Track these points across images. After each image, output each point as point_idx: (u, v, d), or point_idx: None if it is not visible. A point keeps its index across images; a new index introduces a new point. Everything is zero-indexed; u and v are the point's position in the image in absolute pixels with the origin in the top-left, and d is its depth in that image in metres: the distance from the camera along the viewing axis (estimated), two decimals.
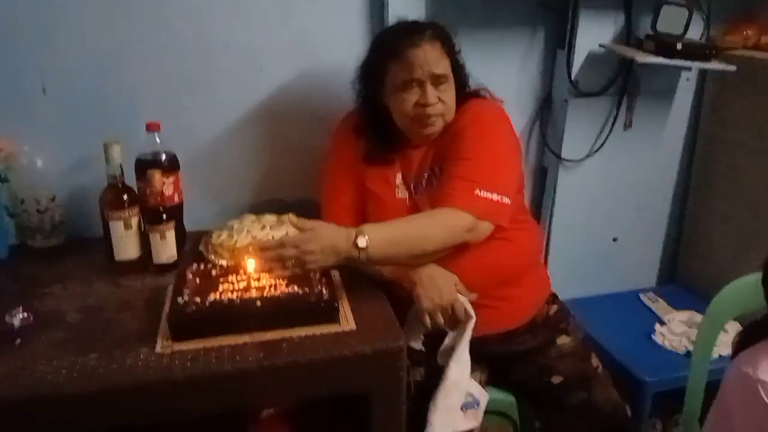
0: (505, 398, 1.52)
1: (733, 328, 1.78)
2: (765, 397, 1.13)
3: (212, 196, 1.78)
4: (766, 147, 1.88)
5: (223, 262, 1.47)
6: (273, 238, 1.45)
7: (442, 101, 1.44)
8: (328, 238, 1.27)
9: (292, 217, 1.31)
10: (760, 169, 1.91)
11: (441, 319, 1.38)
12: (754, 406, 1.15)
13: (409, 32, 1.44)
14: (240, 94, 1.72)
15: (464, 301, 1.39)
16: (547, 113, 2.00)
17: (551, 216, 2.05)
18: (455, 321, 1.39)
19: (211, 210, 1.77)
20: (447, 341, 1.43)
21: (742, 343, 1.27)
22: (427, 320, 1.38)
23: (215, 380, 1.14)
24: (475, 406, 1.43)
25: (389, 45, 1.44)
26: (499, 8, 1.83)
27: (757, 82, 1.89)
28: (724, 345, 1.74)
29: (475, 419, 1.44)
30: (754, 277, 1.39)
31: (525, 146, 2.02)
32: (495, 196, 1.38)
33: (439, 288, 1.38)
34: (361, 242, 1.27)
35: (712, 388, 1.42)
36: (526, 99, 1.98)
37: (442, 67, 1.42)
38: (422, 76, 1.41)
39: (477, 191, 1.37)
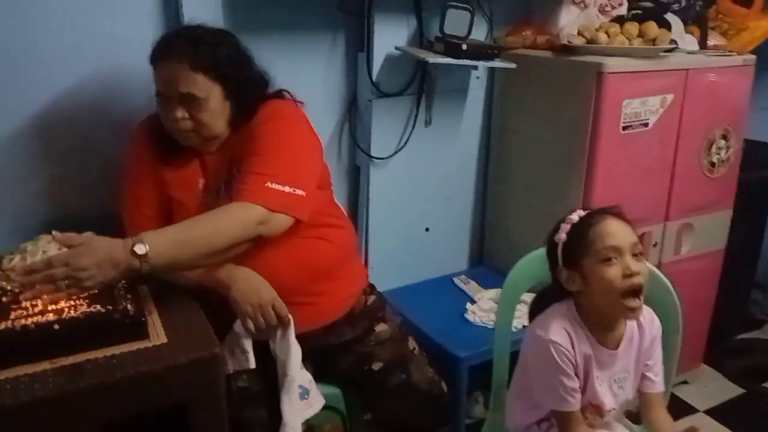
0: (331, 391, 1.56)
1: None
2: (555, 355, 1.29)
3: (2, 214, 1.64)
4: (546, 135, 2.10)
5: (15, 288, 1.35)
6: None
7: (193, 118, 1.42)
8: (102, 250, 1.19)
9: (56, 233, 1.21)
10: (543, 155, 2.12)
11: (263, 321, 1.38)
12: (547, 362, 1.31)
13: (163, 44, 1.41)
14: (27, 103, 1.61)
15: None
16: (354, 114, 2.07)
17: (367, 212, 2.12)
18: (278, 321, 1.40)
19: (1, 231, 1.63)
20: (271, 343, 1.44)
21: (534, 310, 1.43)
22: (250, 325, 1.38)
23: (12, 412, 1.06)
24: (307, 396, 1.46)
25: (152, 54, 1.42)
26: (299, 12, 1.87)
27: (535, 77, 2.10)
28: (524, 317, 1.91)
29: (312, 407, 1.47)
30: (540, 251, 1.57)
31: (337, 147, 2.09)
32: (287, 188, 1.38)
33: (256, 288, 1.38)
34: (140, 249, 1.20)
35: (516, 357, 1.58)
36: (333, 101, 2.04)
37: (189, 86, 1.38)
38: (167, 92, 1.40)
39: (268, 183, 1.36)
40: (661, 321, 1.44)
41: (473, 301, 2.09)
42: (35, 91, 1.61)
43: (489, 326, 1.96)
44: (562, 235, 1.35)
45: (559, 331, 1.32)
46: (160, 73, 1.40)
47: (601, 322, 1.35)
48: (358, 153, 2.10)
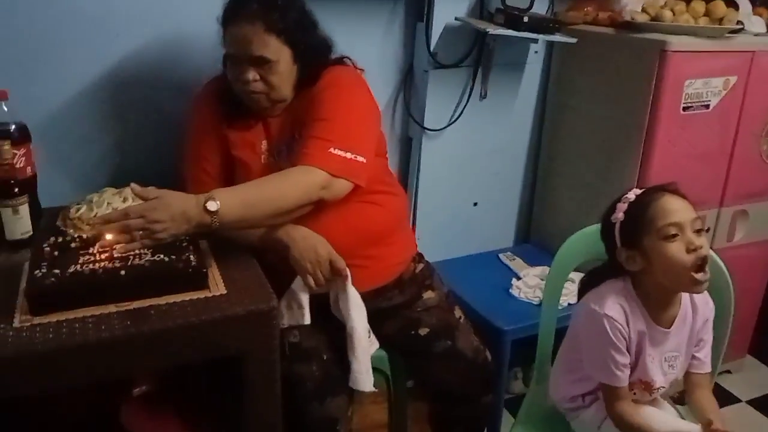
0: (377, 353, 1.59)
1: (579, 279, 1.97)
2: (609, 329, 1.30)
3: (68, 169, 1.71)
4: (603, 113, 2.07)
5: (84, 235, 1.41)
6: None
7: (264, 81, 1.44)
8: (176, 205, 1.22)
9: (134, 186, 1.24)
10: (599, 133, 2.10)
11: (321, 277, 1.42)
12: (600, 335, 1.32)
13: (236, 5, 1.42)
14: (94, 62, 1.65)
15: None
16: (410, 84, 2.07)
17: (417, 183, 2.14)
18: (335, 274, 1.43)
19: (67, 185, 1.69)
20: (332, 297, 1.49)
21: (585, 287, 1.44)
22: (310, 281, 1.41)
23: (80, 350, 1.11)
24: (369, 335, 1.52)
25: (223, 15, 1.44)
26: None
27: (595, 54, 2.07)
28: (571, 295, 1.92)
29: (373, 345, 1.54)
30: (591, 229, 1.57)
31: (391, 117, 2.10)
32: (349, 155, 1.41)
33: (314, 245, 1.41)
34: (212, 206, 1.23)
35: (561, 334, 1.59)
36: (389, 70, 2.05)
37: (261, 49, 1.40)
38: (239, 54, 1.42)
39: (331, 149, 1.39)
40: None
41: (518, 277, 2.10)
42: (104, 52, 1.66)
43: (533, 302, 1.98)
44: (619, 215, 1.33)
45: (615, 307, 1.32)
46: (232, 34, 1.41)
47: (658, 300, 1.35)
48: (411, 124, 2.11)
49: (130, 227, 1.19)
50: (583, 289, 1.45)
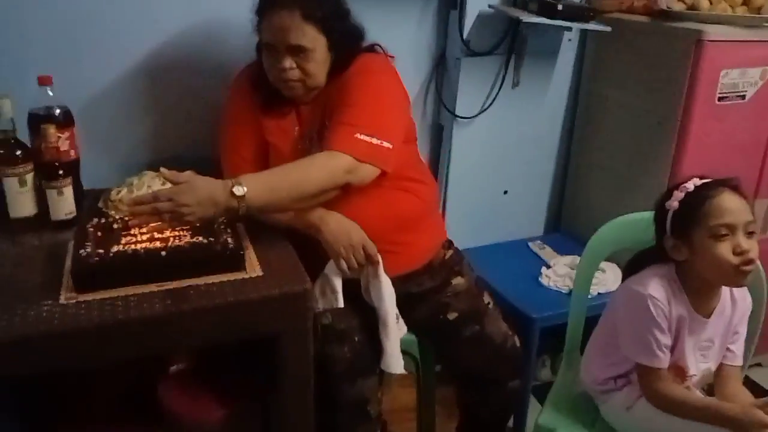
0: (407, 337, 1.62)
1: (609, 269, 1.97)
2: (652, 308, 1.30)
3: (109, 152, 1.76)
4: (636, 103, 2.06)
5: (125, 217, 1.46)
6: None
7: (301, 68, 1.46)
8: (204, 189, 1.25)
9: (164, 170, 1.27)
10: (632, 123, 2.08)
11: (354, 261, 1.44)
12: (643, 315, 1.32)
13: None
14: (134, 48, 1.70)
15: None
16: (442, 72, 2.08)
17: (447, 171, 2.15)
18: (368, 260, 1.46)
19: (108, 168, 1.74)
20: (363, 282, 1.52)
21: (630, 269, 1.44)
22: (343, 265, 1.44)
23: (122, 326, 1.16)
24: (398, 320, 1.55)
25: (259, 4, 1.46)
26: None
27: (630, 43, 2.05)
28: (601, 284, 1.93)
29: (402, 330, 1.57)
30: (622, 219, 1.58)
31: (422, 104, 2.11)
32: (375, 140, 1.42)
33: (347, 230, 1.44)
34: (239, 191, 1.26)
35: (590, 323, 1.59)
36: (422, 57, 2.06)
37: (299, 37, 1.42)
38: (276, 43, 1.44)
39: (357, 134, 1.40)
40: None
41: (548, 266, 2.10)
42: (143, 39, 1.70)
43: (563, 291, 1.98)
44: (674, 203, 1.33)
45: (659, 288, 1.33)
46: (270, 22, 1.44)
47: (699, 290, 1.35)
48: (442, 111, 2.12)
49: (158, 210, 1.23)
50: (627, 272, 1.46)
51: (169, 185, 1.28)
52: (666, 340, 1.33)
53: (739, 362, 1.43)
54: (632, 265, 1.45)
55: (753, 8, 1.97)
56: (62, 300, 1.19)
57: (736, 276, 1.28)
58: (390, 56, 1.62)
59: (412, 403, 1.95)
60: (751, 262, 1.26)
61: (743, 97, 1.95)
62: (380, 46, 1.61)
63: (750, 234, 1.27)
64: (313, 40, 1.44)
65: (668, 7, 1.96)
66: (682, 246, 1.32)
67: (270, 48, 1.46)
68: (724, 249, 1.26)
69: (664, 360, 1.33)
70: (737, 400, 1.37)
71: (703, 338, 1.37)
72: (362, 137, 1.41)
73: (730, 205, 1.27)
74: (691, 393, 1.34)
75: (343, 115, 1.45)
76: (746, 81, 1.93)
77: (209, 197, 1.26)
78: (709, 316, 1.36)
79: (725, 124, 1.95)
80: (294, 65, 1.45)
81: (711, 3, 1.96)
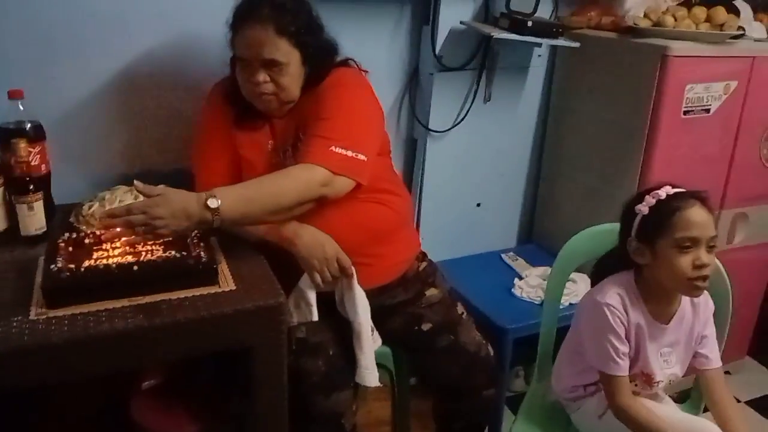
0: (381, 350, 1.62)
1: (580, 279, 2.00)
2: (609, 316, 1.34)
3: (82, 167, 1.74)
4: (605, 116, 2.10)
5: (97, 231, 1.45)
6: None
7: (274, 82, 1.47)
8: (177, 202, 1.26)
9: (138, 183, 1.28)
10: (601, 136, 2.13)
11: (328, 274, 1.45)
12: (601, 323, 1.36)
13: (246, 9, 1.45)
14: (107, 63, 1.69)
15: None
16: (415, 86, 2.11)
17: (421, 184, 2.17)
18: (342, 273, 1.47)
19: (81, 182, 1.73)
20: (338, 295, 1.52)
21: (595, 275, 1.48)
22: (318, 278, 1.45)
23: (94, 342, 1.15)
24: (373, 333, 1.56)
25: (232, 19, 1.47)
26: None
27: (598, 58, 2.10)
28: (572, 295, 1.95)
29: (376, 342, 1.59)
30: (592, 230, 1.61)
31: (396, 118, 2.13)
32: (350, 153, 1.43)
33: (321, 243, 1.45)
34: (212, 203, 1.27)
35: (561, 333, 1.62)
36: (395, 72, 2.08)
37: (272, 51, 1.43)
38: (250, 57, 1.45)
39: (332, 147, 1.42)
40: None
41: (521, 277, 2.13)
42: (119, 53, 1.70)
43: (536, 302, 2.01)
44: (644, 208, 1.36)
45: (614, 296, 1.37)
46: (244, 37, 1.44)
47: (658, 296, 1.38)
48: (416, 125, 2.14)
49: (132, 222, 1.23)
50: (594, 278, 1.50)
51: (142, 199, 1.28)
52: (623, 347, 1.36)
53: (717, 364, 1.46)
54: (597, 271, 1.49)
55: (715, 25, 2.03)
56: (32, 316, 1.17)
57: (691, 288, 1.33)
58: (364, 71, 1.64)
59: (387, 417, 1.96)
60: (706, 278, 1.31)
61: (708, 110, 2.00)
62: (354, 61, 1.63)
63: (711, 248, 1.31)
64: (287, 54, 1.45)
65: (635, 24, 2.01)
66: (646, 251, 1.35)
67: (244, 62, 1.47)
68: (685, 261, 1.29)
69: (623, 367, 1.36)
70: (724, 408, 1.41)
71: (664, 344, 1.41)
72: (337, 150, 1.42)
73: (698, 219, 1.30)
74: (647, 413, 1.35)
75: (318, 128, 1.46)
76: (710, 95, 1.99)
77: (183, 210, 1.26)
78: (668, 322, 1.40)
79: (691, 137, 2.01)
80: (268, 79, 1.46)
81: (675, 20, 2.01)
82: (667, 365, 1.41)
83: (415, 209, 2.18)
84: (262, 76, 1.45)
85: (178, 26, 1.73)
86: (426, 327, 1.63)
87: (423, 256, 1.76)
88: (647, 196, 1.36)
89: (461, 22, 1.98)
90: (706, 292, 1.42)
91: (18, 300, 1.22)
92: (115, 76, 1.71)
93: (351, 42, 1.63)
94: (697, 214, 1.30)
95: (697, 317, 1.43)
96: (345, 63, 1.61)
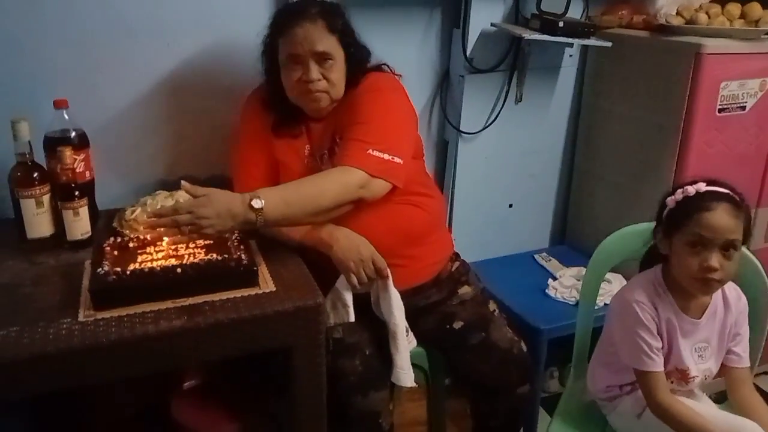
0: (416, 350, 1.64)
1: (615, 279, 1.99)
2: (639, 312, 1.35)
3: (123, 173, 1.79)
4: (637, 115, 2.09)
5: (140, 236, 1.49)
6: None
7: (326, 78, 1.51)
8: (222, 202, 1.30)
9: (185, 183, 1.31)
10: (634, 135, 2.12)
11: (364, 276, 1.47)
12: (632, 320, 1.37)
13: (294, 10, 1.51)
14: (148, 71, 1.74)
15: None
16: (446, 89, 2.12)
17: (453, 186, 2.18)
18: (377, 274, 1.49)
19: (122, 188, 1.78)
20: (373, 296, 1.55)
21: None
22: (354, 280, 1.47)
23: (140, 342, 1.19)
24: (408, 333, 1.58)
25: (278, 22, 1.52)
26: None
27: (630, 57, 2.09)
28: (607, 295, 1.94)
29: (412, 342, 1.60)
30: (627, 230, 1.61)
31: (427, 120, 2.14)
32: (386, 156, 1.46)
33: (357, 245, 1.47)
34: (257, 204, 1.31)
35: (597, 334, 1.62)
36: (426, 75, 2.09)
37: (325, 45, 1.48)
38: (303, 52, 1.48)
39: (369, 150, 1.45)
40: (748, 301, 1.45)
41: (554, 278, 2.12)
42: (156, 62, 1.75)
43: (570, 302, 2.00)
44: (672, 202, 1.37)
45: (642, 293, 1.38)
46: (294, 35, 1.48)
47: (682, 289, 1.38)
48: (447, 127, 2.15)
49: (178, 222, 1.27)
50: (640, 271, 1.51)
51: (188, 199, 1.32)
52: (656, 342, 1.36)
53: (746, 363, 1.45)
54: (641, 267, 1.51)
55: (750, 21, 2.01)
56: (81, 317, 1.22)
57: (698, 287, 1.34)
58: (397, 75, 1.66)
59: (423, 417, 1.97)
60: (711, 282, 1.31)
61: (743, 108, 1.98)
62: (387, 66, 1.66)
63: (727, 252, 1.29)
64: (338, 51, 1.50)
65: (667, 22, 2.00)
66: (666, 242, 1.38)
67: (295, 60, 1.50)
68: (693, 260, 1.30)
69: (657, 363, 1.36)
70: (749, 405, 1.40)
71: (698, 339, 1.41)
72: (374, 153, 1.45)
73: (715, 221, 1.28)
74: (687, 409, 1.34)
75: (355, 132, 1.49)
76: (746, 92, 1.96)
77: (228, 210, 1.29)
78: (700, 316, 1.40)
79: (726, 135, 1.99)
80: (320, 76, 1.50)
81: (709, 17, 1.99)
82: (701, 360, 1.41)
83: (448, 210, 2.19)
84: (316, 72, 1.49)
85: (215, 34, 1.77)
86: (457, 325, 1.65)
87: (456, 256, 1.77)
88: (679, 190, 1.37)
89: (492, 24, 1.99)
90: (736, 286, 1.43)
91: (66, 302, 1.27)
92: (155, 84, 1.76)
93: (382, 45, 1.65)
94: (717, 216, 1.28)
95: (728, 311, 1.42)
96: (379, 68, 1.64)
